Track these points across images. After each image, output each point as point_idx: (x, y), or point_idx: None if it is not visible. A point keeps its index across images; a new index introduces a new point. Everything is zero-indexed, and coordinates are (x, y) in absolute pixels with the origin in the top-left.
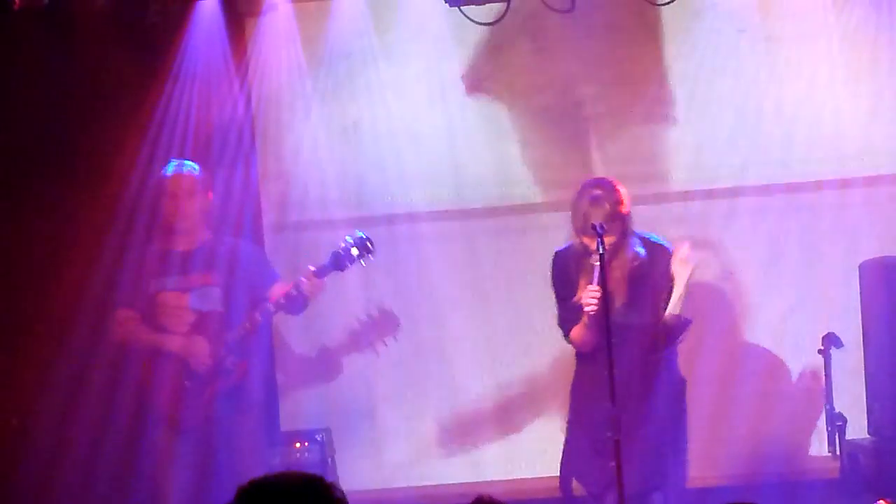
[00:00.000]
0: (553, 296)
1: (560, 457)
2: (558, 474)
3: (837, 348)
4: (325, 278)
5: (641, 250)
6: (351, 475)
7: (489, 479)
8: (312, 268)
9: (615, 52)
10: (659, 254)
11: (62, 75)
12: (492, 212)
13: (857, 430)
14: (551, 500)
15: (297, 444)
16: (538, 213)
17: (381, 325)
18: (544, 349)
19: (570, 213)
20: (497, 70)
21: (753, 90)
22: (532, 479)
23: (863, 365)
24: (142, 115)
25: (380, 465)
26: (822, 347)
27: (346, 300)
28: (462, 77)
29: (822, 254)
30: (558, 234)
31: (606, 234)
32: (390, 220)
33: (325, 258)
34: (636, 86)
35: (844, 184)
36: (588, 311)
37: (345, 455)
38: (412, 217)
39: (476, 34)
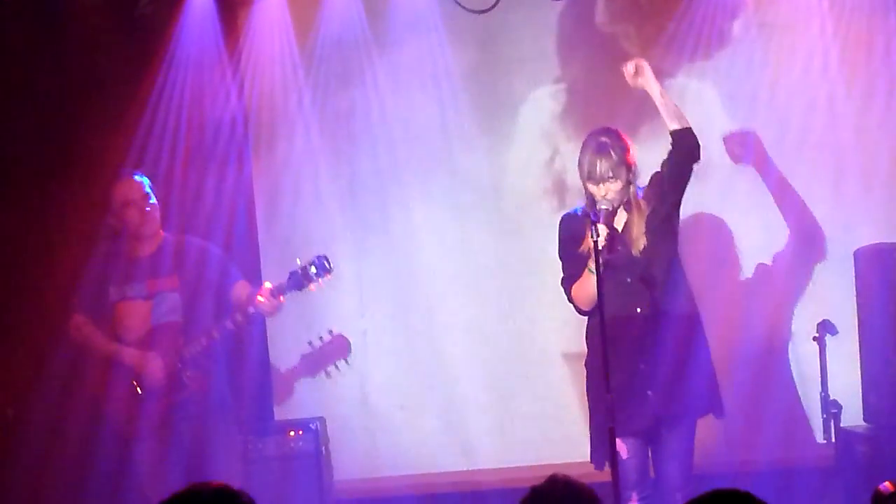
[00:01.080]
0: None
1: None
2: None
3: (832, 335)
4: (284, 297)
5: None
6: (345, 464)
7: (483, 468)
8: (269, 285)
9: (611, 40)
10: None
11: (52, 67)
12: (485, 201)
13: (853, 417)
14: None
15: (291, 433)
16: (532, 202)
17: (334, 348)
18: (538, 338)
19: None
20: (491, 58)
21: (747, 77)
22: (526, 467)
23: (858, 352)
24: (134, 105)
25: (374, 454)
26: (817, 334)
27: (340, 292)
28: (455, 65)
29: (819, 240)
30: (553, 222)
31: (612, 179)
32: (383, 208)
33: (283, 277)
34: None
35: (839, 170)
36: (595, 245)
37: (339, 444)
38: (405, 206)
39: (469, 22)
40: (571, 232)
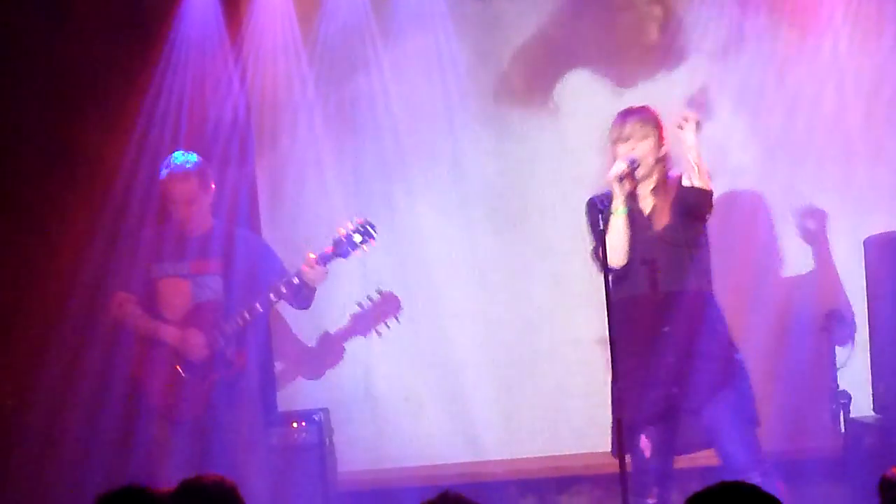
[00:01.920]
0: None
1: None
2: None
3: (841, 326)
4: (328, 265)
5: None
6: (349, 455)
7: (489, 459)
8: (313, 255)
9: (617, 29)
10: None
11: (52, 59)
12: (490, 190)
13: (862, 408)
14: (551, 479)
15: (295, 425)
16: (538, 191)
17: (381, 307)
18: (544, 327)
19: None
20: (497, 47)
21: (756, 65)
22: (532, 458)
23: (868, 342)
24: (135, 96)
25: (378, 446)
26: (826, 325)
27: (343, 280)
28: (461, 54)
29: (827, 229)
30: (557, 212)
31: (642, 138)
32: (388, 198)
33: (326, 244)
34: (637, 62)
35: (848, 158)
36: (618, 174)
37: (343, 435)
38: (410, 195)
39: (476, 10)
40: (599, 207)
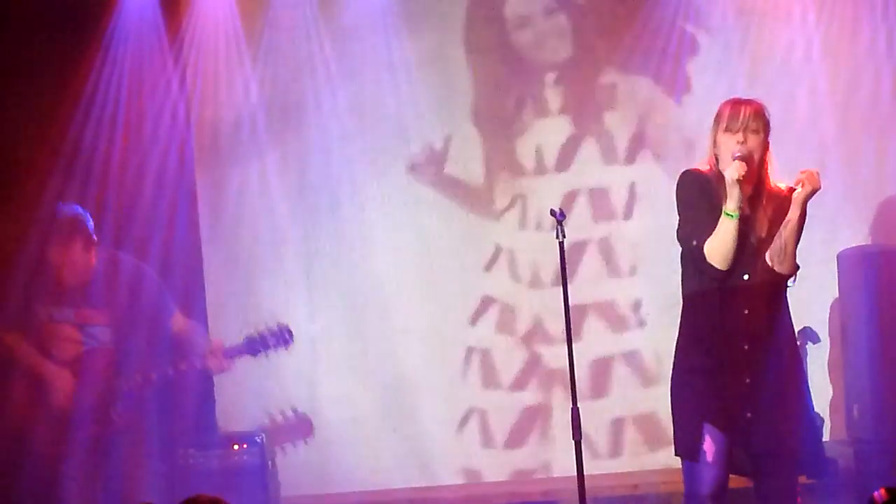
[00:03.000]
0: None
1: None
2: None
3: (814, 343)
4: (234, 360)
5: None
6: (293, 479)
7: (441, 484)
8: (224, 346)
9: (580, 25)
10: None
11: None
12: (442, 196)
13: (836, 431)
14: None
15: (236, 447)
16: (491, 197)
17: (294, 427)
18: (501, 342)
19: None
20: (448, 44)
21: (725, 67)
22: (487, 483)
23: (841, 360)
24: (69, 101)
25: (324, 469)
26: (799, 342)
27: (288, 290)
28: (413, 53)
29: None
30: (513, 218)
31: (754, 132)
32: (335, 206)
33: (239, 340)
34: (603, 63)
35: (821, 166)
36: (736, 178)
37: (287, 458)
38: (358, 204)
39: (427, 7)
40: (700, 187)
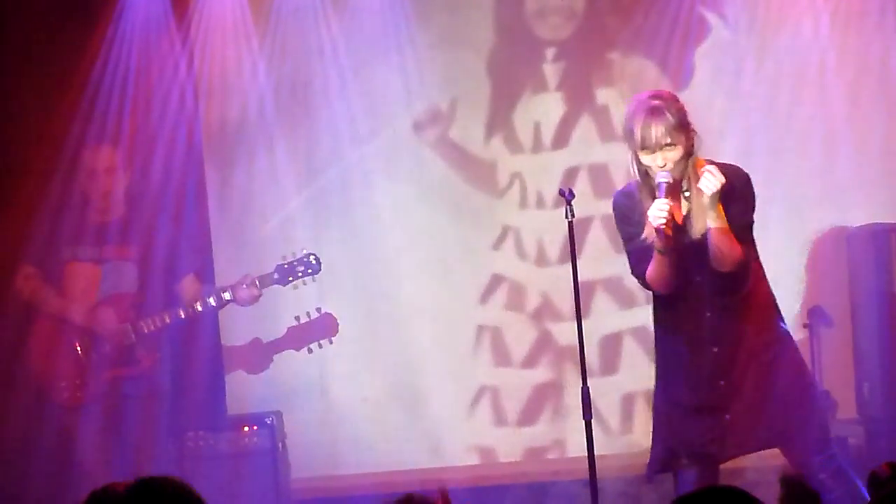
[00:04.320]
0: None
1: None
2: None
3: (824, 323)
4: (263, 290)
5: (717, 173)
6: (303, 461)
7: (452, 465)
8: (256, 277)
9: (584, 5)
10: (736, 177)
11: None
12: (451, 176)
13: (846, 409)
14: (514, 485)
15: (246, 429)
16: (500, 178)
17: (318, 326)
18: (511, 324)
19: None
20: (459, 27)
21: (733, 43)
22: (498, 463)
23: (851, 339)
24: (77, 78)
25: (334, 450)
26: (809, 322)
27: None
28: (421, 35)
29: (808, 221)
30: (513, 196)
31: (671, 146)
32: (343, 186)
33: (270, 268)
34: (607, 43)
35: (831, 143)
36: (657, 226)
37: (297, 439)
38: (368, 185)
39: None
40: (624, 212)
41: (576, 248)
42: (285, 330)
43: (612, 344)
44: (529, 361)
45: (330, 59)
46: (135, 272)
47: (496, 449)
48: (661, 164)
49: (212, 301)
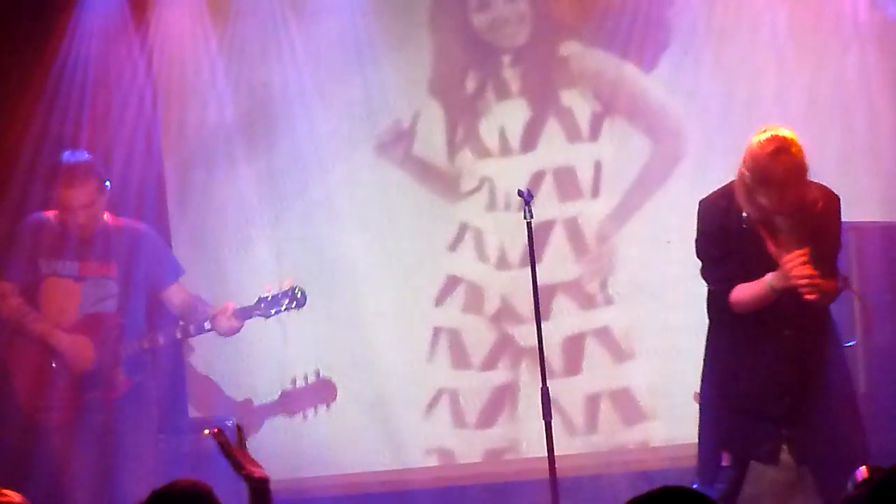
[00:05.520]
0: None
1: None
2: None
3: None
4: (244, 322)
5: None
6: (265, 464)
7: (413, 467)
8: (234, 307)
9: (542, 8)
10: (828, 202)
11: None
12: (413, 179)
13: None
14: (480, 486)
15: (206, 432)
16: (458, 178)
17: (316, 391)
18: (473, 325)
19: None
20: (418, 26)
21: (690, 45)
22: (459, 465)
23: None
24: (35, 81)
25: (297, 453)
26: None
27: (257, 276)
28: (380, 36)
29: None
30: (481, 199)
31: (805, 197)
32: (303, 190)
33: (251, 300)
34: (563, 42)
35: None
36: (806, 293)
37: (258, 442)
38: (327, 187)
39: None
40: (719, 226)
41: (534, 248)
42: (279, 394)
43: (574, 345)
44: (488, 363)
45: (289, 61)
46: (115, 289)
47: (455, 451)
48: (778, 200)
49: (192, 330)
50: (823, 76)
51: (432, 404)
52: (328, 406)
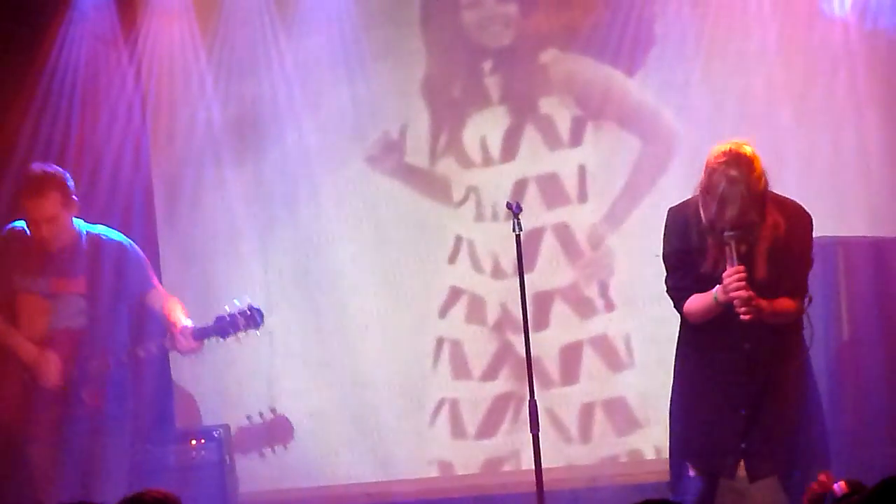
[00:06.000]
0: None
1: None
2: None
3: None
4: (203, 342)
5: (780, 218)
6: (251, 475)
7: (400, 478)
8: (191, 325)
9: (529, 17)
10: (797, 220)
11: None
12: (400, 190)
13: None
14: (466, 498)
15: (193, 442)
16: (450, 190)
17: (272, 430)
18: (460, 337)
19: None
20: (409, 26)
21: (679, 60)
22: (444, 477)
23: None
24: (23, 91)
25: (282, 464)
26: None
27: (246, 286)
28: (369, 48)
29: None
30: (469, 209)
31: (746, 215)
32: (291, 202)
33: (209, 320)
34: (544, 48)
35: (778, 159)
36: (739, 311)
37: (245, 453)
38: (315, 199)
39: (382, 4)
40: (680, 236)
41: (526, 257)
42: (234, 431)
43: (571, 353)
44: (489, 373)
45: (278, 72)
46: (83, 305)
47: (455, 460)
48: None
49: (153, 348)
50: (812, 91)
51: (434, 414)
52: (286, 446)
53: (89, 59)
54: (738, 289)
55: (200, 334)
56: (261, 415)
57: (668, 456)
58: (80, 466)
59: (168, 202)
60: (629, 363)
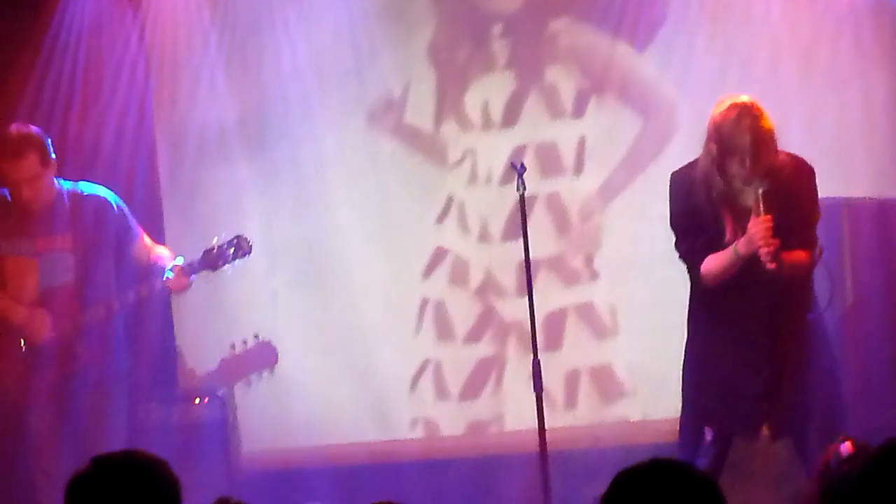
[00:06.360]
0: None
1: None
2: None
3: None
4: (193, 277)
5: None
6: (254, 433)
7: (401, 438)
8: (181, 263)
9: None
10: (799, 174)
11: None
12: (406, 154)
13: None
14: (468, 459)
15: (197, 401)
16: (447, 150)
17: (256, 356)
18: (460, 297)
19: (710, 139)
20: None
21: (683, 24)
22: (447, 437)
23: None
24: (27, 48)
25: (285, 423)
26: None
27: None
28: (372, 8)
29: None
30: (464, 171)
31: (772, 158)
32: (295, 162)
33: (196, 255)
34: (554, 16)
35: (783, 120)
36: (766, 260)
37: (248, 412)
38: (320, 159)
39: None
40: (687, 196)
41: (520, 224)
42: (218, 362)
43: (556, 320)
44: (473, 336)
45: (281, 32)
46: (71, 261)
47: (440, 421)
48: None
49: (144, 291)
50: (817, 53)
51: (417, 375)
52: (272, 370)
53: (93, 19)
54: (766, 238)
55: (189, 270)
56: (244, 342)
57: (659, 419)
58: (79, 429)
59: (171, 161)
60: (615, 330)
